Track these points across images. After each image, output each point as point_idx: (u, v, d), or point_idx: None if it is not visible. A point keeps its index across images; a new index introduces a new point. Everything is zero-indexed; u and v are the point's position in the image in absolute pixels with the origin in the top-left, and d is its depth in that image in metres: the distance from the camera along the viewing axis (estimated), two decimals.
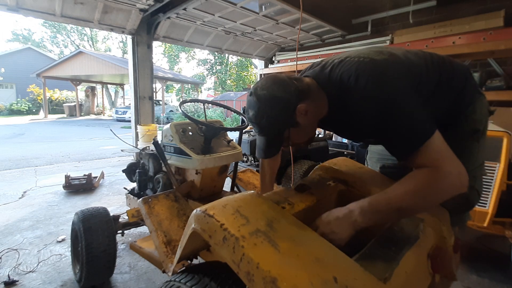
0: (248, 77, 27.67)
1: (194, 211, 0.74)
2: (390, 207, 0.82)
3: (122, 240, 2.36)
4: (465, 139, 1.06)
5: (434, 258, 0.85)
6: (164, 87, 17.42)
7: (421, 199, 0.80)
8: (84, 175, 3.83)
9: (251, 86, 0.93)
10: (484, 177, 1.19)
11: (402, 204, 0.81)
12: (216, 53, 12.76)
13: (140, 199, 1.50)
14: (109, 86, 23.52)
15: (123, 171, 2.29)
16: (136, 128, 5.37)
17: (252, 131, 3.61)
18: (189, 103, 16.47)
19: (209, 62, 27.97)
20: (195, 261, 1.06)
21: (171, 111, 17.43)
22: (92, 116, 19.59)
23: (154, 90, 6.60)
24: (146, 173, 2.10)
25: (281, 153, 1.37)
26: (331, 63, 0.98)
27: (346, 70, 0.92)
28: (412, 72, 0.93)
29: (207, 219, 0.69)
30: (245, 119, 2.02)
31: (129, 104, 9.40)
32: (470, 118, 1.05)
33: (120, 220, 1.87)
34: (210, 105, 16.50)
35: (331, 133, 4.87)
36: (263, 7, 4.68)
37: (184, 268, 0.92)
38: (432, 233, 0.92)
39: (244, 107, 2.99)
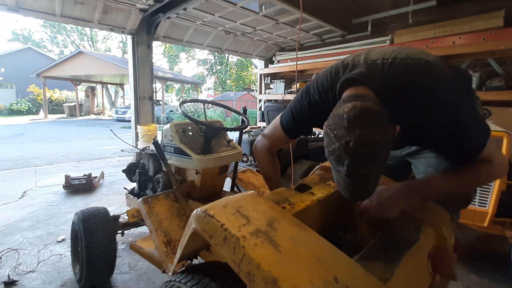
0: (248, 77, 27.68)
1: (195, 211, 0.74)
2: (436, 193, 0.96)
3: (122, 240, 2.36)
4: None
5: (434, 258, 0.85)
6: (164, 87, 17.42)
7: (471, 186, 0.95)
8: (84, 175, 3.83)
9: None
10: None
11: (452, 190, 0.94)
12: (216, 53, 12.76)
13: (140, 199, 1.49)
14: (109, 86, 23.52)
15: (123, 171, 2.29)
16: (136, 128, 5.36)
17: (252, 131, 3.62)
18: (189, 103, 16.47)
19: (209, 62, 27.99)
20: (195, 261, 1.06)
21: (171, 111, 17.43)
22: (92, 116, 19.59)
23: (154, 90, 6.60)
24: (146, 173, 2.10)
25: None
26: (380, 64, 0.87)
27: (403, 73, 0.83)
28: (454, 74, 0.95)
29: (207, 219, 0.69)
30: (245, 119, 2.02)
31: (129, 104, 9.40)
32: None
33: (120, 220, 1.87)
34: (210, 105, 16.50)
35: None
36: (263, 7, 4.68)
37: (184, 268, 0.92)
38: (432, 233, 0.92)
39: (244, 107, 2.99)
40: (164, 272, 1.31)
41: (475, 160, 0.87)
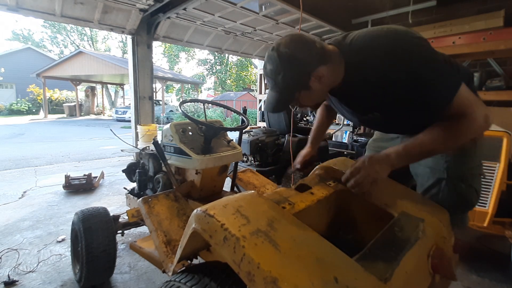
0: (248, 77, 27.68)
1: (195, 211, 0.74)
2: (422, 151, 0.95)
3: (122, 240, 2.36)
4: None
5: (434, 258, 0.85)
6: (164, 87, 17.42)
7: (451, 142, 0.91)
8: (84, 175, 3.83)
9: (275, 42, 0.96)
10: (484, 177, 1.21)
11: (434, 148, 0.94)
12: (216, 53, 12.76)
13: (140, 199, 1.49)
14: (109, 86, 23.53)
15: (123, 171, 2.29)
16: (136, 128, 5.36)
17: (252, 131, 3.62)
18: (189, 103, 16.48)
19: (209, 62, 27.99)
20: (195, 261, 1.06)
21: (171, 111, 17.43)
22: (92, 116, 19.59)
23: (154, 90, 6.60)
24: (146, 173, 2.10)
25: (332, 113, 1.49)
26: (354, 34, 1.00)
27: (369, 37, 0.95)
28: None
29: (207, 219, 0.69)
30: (245, 119, 2.02)
31: (129, 104, 9.40)
32: None
33: (120, 220, 1.87)
34: (210, 105, 16.51)
35: (331, 133, 4.87)
36: (263, 7, 4.68)
37: (184, 268, 0.92)
38: (432, 233, 0.92)
39: (244, 107, 2.99)
40: (164, 272, 1.31)
41: (443, 116, 0.91)
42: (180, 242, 0.86)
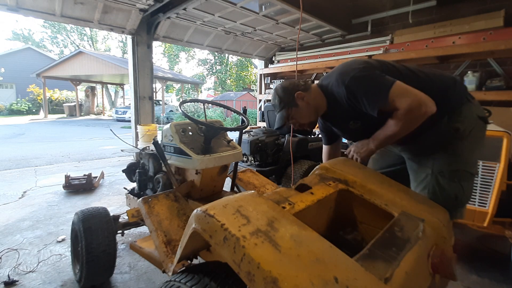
0: (248, 77, 27.67)
1: (195, 211, 0.74)
2: (385, 136, 1.26)
3: (122, 240, 2.36)
4: (446, 136, 1.26)
5: (434, 258, 0.85)
6: (164, 87, 17.42)
7: (402, 126, 1.18)
8: (84, 175, 3.83)
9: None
10: (484, 177, 1.26)
11: (392, 133, 1.22)
12: (216, 53, 12.76)
13: (140, 199, 1.49)
14: (109, 86, 23.53)
15: (123, 171, 2.29)
16: (136, 128, 5.36)
17: (252, 131, 3.62)
18: (189, 103, 16.47)
19: (209, 62, 27.98)
20: (195, 261, 1.06)
21: (171, 111, 17.42)
22: (92, 116, 19.59)
23: (154, 90, 6.60)
24: (146, 173, 2.10)
25: (339, 145, 1.80)
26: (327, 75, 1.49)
27: (333, 69, 1.43)
28: (378, 63, 1.33)
29: (207, 219, 0.69)
30: (245, 119, 2.02)
31: (129, 104, 9.40)
32: (452, 119, 1.25)
33: (120, 220, 1.87)
34: (210, 105, 16.50)
35: None
36: (263, 7, 4.68)
37: (184, 268, 0.92)
38: (432, 233, 0.92)
39: (244, 107, 2.99)
40: (164, 272, 1.31)
41: (392, 109, 1.19)
42: (180, 242, 0.86)
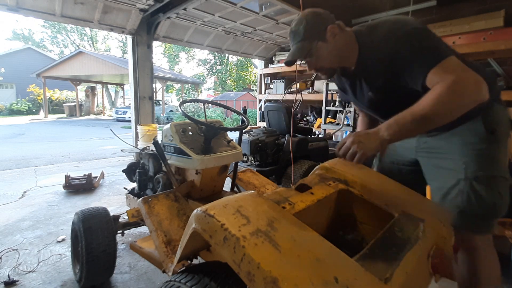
0: (248, 77, 27.69)
1: (195, 211, 0.74)
2: (414, 119, 0.92)
3: (122, 240, 2.36)
4: (481, 136, 1.08)
5: (434, 258, 0.85)
6: (164, 87, 17.42)
7: (443, 107, 0.89)
8: (84, 175, 3.83)
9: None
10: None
11: (426, 114, 0.90)
12: (216, 53, 12.76)
13: (140, 199, 1.49)
14: (109, 86, 23.53)
15: (123, 171, 2.29)
16: (136, 128, 5.37)
17: (252, 131, 3.62)
18: (189, 103, 16.48)
19: (209, 62, 27.99)
20: (195, 261, 1.06)
21: (171, 111, 17.43)
22: (92, 116, 19.59)
23: (154, 90, 6.61)
24: (146, 173, 2.10)
25: (370, 119, 1.51)
26: (369, 23, 1.19)
27: (380, 22, 1.13)
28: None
29: (207, 219, 0.69)
30: (245, 119, 2.02)
31: (129, 104, 9.40)
32: (488, 119, 1.09)
33: (120, 220, 1.87)
34: (210, 105, 16.50)
35: (331, 133, 4.87)
36: (263, 7, 4.68)
37: (184, 268, 0.93)
38: (432, 233, 0.92)
39: (244, 107, 2.99)
40: (164, 272, 1.31)
41: (433, 81, 0.94)
42: (180, 242, 0.86)
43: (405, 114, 0.94)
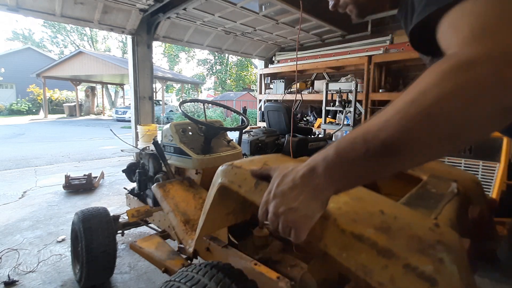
0: (248, 77, 27.69)
1: (220, 167, 0.76)
2: (369, 145, 0.40)
3: (122, 240, 2.35)
4: None
5: (473, 214, 0.79)
6: (164, 87, 17.42)
7: (450, 104, 0.35)
8: (84, 175, 3.83)
9: None
10: (484, 177, 1.09)
11: (394, 133, 0.38)
12: (216, 53, 12.77)
13: (155, 184, 1.57)
14: (109, 86, 23.53)
15: (123, 171, 2.29)
16: (136, 128, 5.37)
17: (252, 131, 3.61)
18: (189, 103, 16.48)
19: (209, 62, 27.99)
20: (195, 261, 1.06)
21: (171, 111, 17.43)
22: (92, 116, 19.60)
23: (154, 90, 6.61)
24: (146, 173, 2.10)
25: None
26: None
27: None
28: None
29: (235, 170, 0.71)
30: (245, 119, 2.02)
31: (129, 104, 9.40)
32: None
33: (120, 220, 1.87)
34: (210, 105, 16.50)
35: (331, 133, 4.87)
36: (263, 7, 4.68)
37: (184, 268, 0.93)
38: (467, 192, 0.86)
39: (244, 107, 2.99)
40: (164, 272, 1.31)
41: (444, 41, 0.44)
42: (202, 212, 0.88)
43: (356, 132, 0.42)
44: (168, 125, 1.84)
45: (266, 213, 0.53)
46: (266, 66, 7.27)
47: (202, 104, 2.08)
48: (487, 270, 2.04)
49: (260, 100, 7.41)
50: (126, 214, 1.70)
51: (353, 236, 0.49)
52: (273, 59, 7.09)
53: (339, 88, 4.57)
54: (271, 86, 6.98)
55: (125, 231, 1.92)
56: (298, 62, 5.84)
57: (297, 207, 0.48)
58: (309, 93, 5.96)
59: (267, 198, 0.53)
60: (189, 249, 1.20)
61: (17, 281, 1.83)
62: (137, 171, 2.11)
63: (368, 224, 0.50)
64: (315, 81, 6.17)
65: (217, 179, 0.75)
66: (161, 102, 16.36)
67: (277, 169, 0.56)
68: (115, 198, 3.48)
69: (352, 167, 0.43)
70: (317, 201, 0.48)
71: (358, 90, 4.41)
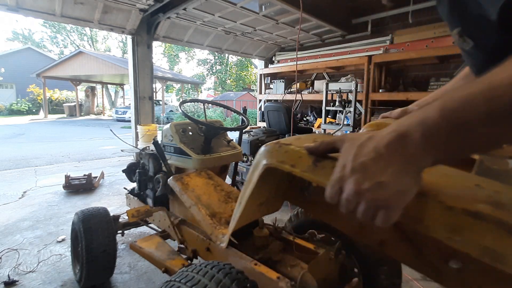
0: (248, 77, 27.69)
1: (262, 147, 0.67)
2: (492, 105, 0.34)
3: (122, 240, 2.36)
4: None
5: None
6: (164, 87, 17.43)
7: None
8: (84, 175, 3.83)
9: None
10: None
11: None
12: (216, 53, 12.77)
13: (171, 177, 1.54)
14: (109, 86, 23.54)
15: (123, 171, 2.29)
16: (136, 128, 5.37)
17: (252, 131, 3.61)
18: (189, 103, 16.48)
19: (209, 62, 27.99)
20: (195, 261, 1.06)
21: (171, 111, 17.43)
22: (92, 116, 19.60)
23: (154, 90, 6.61)
24: (146, 173, 2.10)
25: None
26: None
27: None
28: None
29: (284, 148, 0.61)
30: (245, 119, 2.02)
31: (129, 104, 9.40)
32: None
33: (120, 220, 1.87)
34: (210, 105, 16.50)
35: (331, 133, 4.87)
36: (263, 7, 4.68)
37: (184, 268, 0.92)
38: None
39: (244, 107, 2.99)
40: (164, 272, 1.31)
41: None
42: (239, 200, 0.81)
43: (470, 90, 0.36)
44: (168, 125, 1.84)
45: (339, 192, 0.45)
46: (266, 66, 7.27)
47: (202, 104, 2.08)
48: None
49: (260, 100, 7.41)
50: (126, 214, 1.70)
51: (468, 214, 0.40)
52: (273, 59, 7.09)
53: (339, 88, 4.57)
54: (271, 86, 6.97)
55: (125, 231, 1.92)
56: (298, 62, 5.84)
57: (387, 181, 0.40)
58: (309, 93, 5.96)
59: (341, 174, 0.44)
60: (221, 245, 1.13)
61: (17, 281, 1.83)
62: (137, 171, 2.11)
63: (477, 199, 0.41)
64: (315, 81, 6.17)
65: (261, 161, 0.66)
66: (161, 102, 16.36)
67: (345, 140, 0.47)
68: (115, 198, 3.48)
69: (464, 133, 0.36)
70: (411, 174, 0.40)
71: (358, 90, 4.41)
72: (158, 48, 27.50)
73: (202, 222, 1.26)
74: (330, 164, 0.50)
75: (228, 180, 2.13)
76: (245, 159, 3.54)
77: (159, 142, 1.84)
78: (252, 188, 0.72)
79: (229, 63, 27.76)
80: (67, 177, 3.68)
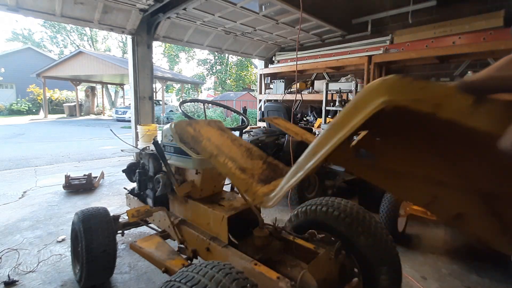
0: (248, 77, 27.69)
1: (379, 80, 0.48)
2: None
3: (122, 240, 2.36)
4: None
5: None
6: (164, 87, 17.42)
7: None
8: (84, 175, 3.83)
9: None
10: None
11: None
12: (216, 53, 12.77)
13: (174, 123, 1.30)
14: (109, 86, 23.53)
15: (123, 171, 2.29)
16: (136, 128, 5.37)
17: (252, 131, 3.61)
18: (189, 103, 16.47)
19: (209, 62, 27.99)
20: (195, 261, 1.06)
21: (171, 111, 17.43)
22: (92, 116, 19.60)
23: (154, 90, 6.61)
24: (146, 173, 2.10)
25: None
26: None
27: None
28: None
29: (420, 84, 0.45)
30: (245, 119, 2.02)
31: (129, 104, 9.40)
32: None
33: (120, 220, 1.88)
34: (210, 105, 16.50)
35: None
36: (263, 7, 4.68)
37: (184, 268, 0.93)
38: None
39: (244, 107, 3.00)
40: (164, 272, 1.31)
41: None
42: (315, 141, 0.58)
43: None
44: (168, 125, 1.84)
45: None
46: (266, 66, 7.27)
47: (202, 104, 2.08)
48: (487, 270, 2.04)
49: (260, 100, 7.41)
50: (126, 214, 1.70)
51: None
52: (273, 59, 7.09)
53: (339, 88, 4.57)
54: (271, 86, 6.97)
55: (125, 231, 1.92)
56: (298, 62, 5.84)
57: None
58: (309, 93, 5.96)
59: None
60: (268, 203, 0.84)
61: (17, 281, 1.83)
62: (137, 171, 2.11)
63: None
64: (315, 81, 6.17)
65: (375, 97, 0.47)
66: (161, 102, 16.36)
67: None
68: (115, 198, 3.48)
69: None
70: None
71: (358, 90, 4.41)
72: (158, 48, 27.51)
73: (231, 177, 0.99)
74: (499, 105, 0.38)
75: (228, 181, 2.13)
76: None
77: (159, 142, 1.84)
78: (345, 132, 0.51)
79: (229, 63, 27.75)
80: (67, 177, 3.68)
